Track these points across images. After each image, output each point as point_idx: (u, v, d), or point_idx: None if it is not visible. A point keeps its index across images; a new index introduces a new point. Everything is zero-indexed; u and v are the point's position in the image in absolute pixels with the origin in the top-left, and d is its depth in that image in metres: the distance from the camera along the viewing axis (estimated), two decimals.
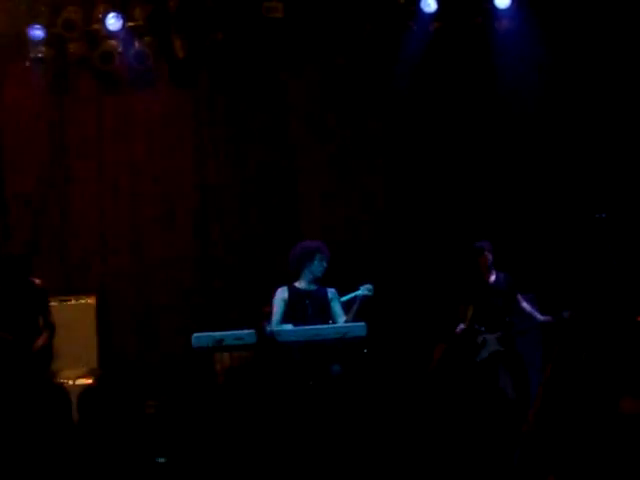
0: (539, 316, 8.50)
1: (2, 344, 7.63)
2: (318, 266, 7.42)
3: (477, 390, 8.03)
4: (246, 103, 10.21)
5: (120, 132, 10.17)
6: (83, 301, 9.73)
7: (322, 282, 7.48)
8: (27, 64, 9.74)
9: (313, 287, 7.46)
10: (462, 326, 8.60)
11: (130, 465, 5.89)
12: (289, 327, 7.17)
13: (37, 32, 9.64)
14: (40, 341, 7.76)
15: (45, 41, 9.72)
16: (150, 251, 10.13)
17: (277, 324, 7.30)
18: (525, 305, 8.56)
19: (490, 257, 8.48)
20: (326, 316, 7.40)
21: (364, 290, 7.35)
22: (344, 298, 7.55)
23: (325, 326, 7.18)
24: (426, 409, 7.43)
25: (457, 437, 6.71)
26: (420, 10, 9.76)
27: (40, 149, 10.10)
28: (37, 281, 7.94)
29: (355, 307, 7.34)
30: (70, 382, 8.79)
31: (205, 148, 10.23)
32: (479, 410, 7.63)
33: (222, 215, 10.23)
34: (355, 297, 7.44)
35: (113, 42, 9.76)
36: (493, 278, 8.54)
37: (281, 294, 7.45)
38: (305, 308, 7.40)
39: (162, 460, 6.37)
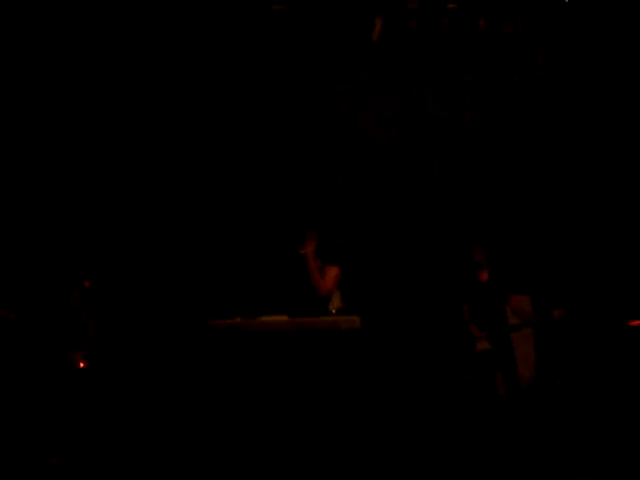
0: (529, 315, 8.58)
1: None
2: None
3: (468, 386, 8.11)
4: None
5: None
6: None
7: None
8: None
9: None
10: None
11: None
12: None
13: None
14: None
15: None
16: None
17: None
18: (516, 304, 8.62)
19: (483, 256, 8.56)
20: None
21: None
22: None
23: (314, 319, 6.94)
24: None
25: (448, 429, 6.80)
26: None
27: None
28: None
29: None
30: None
31: None
32: (469, 405, 7.72)
33: None
34: None
35: None
36: (486, 277, 8.62)
37: None
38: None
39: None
